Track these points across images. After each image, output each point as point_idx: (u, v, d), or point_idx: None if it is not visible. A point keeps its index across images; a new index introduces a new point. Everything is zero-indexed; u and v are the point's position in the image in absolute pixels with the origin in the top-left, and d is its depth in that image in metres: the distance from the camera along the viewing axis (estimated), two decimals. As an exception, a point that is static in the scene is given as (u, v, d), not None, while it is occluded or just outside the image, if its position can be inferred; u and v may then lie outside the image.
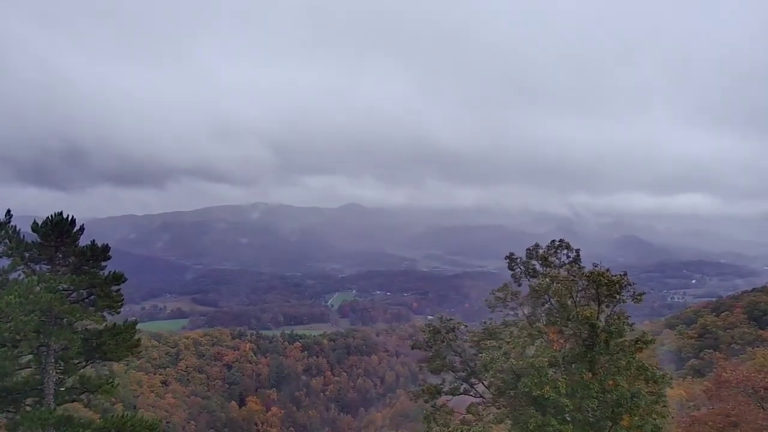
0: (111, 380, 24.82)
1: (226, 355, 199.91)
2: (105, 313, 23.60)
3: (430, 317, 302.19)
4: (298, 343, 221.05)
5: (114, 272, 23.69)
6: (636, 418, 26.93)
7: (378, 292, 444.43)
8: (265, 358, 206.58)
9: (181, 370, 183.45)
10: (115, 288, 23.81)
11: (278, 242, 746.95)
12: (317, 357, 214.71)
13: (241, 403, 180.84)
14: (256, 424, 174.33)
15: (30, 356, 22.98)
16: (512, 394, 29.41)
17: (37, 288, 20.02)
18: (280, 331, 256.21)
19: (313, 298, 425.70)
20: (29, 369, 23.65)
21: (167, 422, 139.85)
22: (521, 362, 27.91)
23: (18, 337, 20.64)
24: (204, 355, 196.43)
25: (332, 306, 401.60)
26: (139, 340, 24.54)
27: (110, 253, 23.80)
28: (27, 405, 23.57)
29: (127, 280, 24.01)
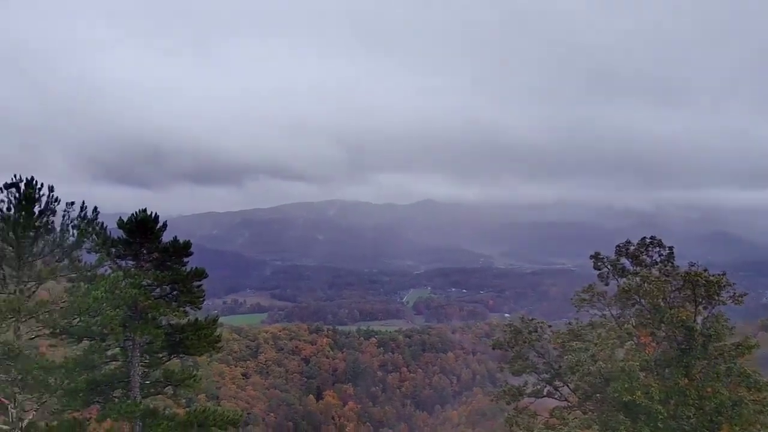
0: (194, 375, 25.24)
1: (304, 350, 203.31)
2: (187, 309, 23.96)
3: (507, 315, 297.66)
4: (374, 338, 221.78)
5: (195, 268, 24.00)
6: (737, 429, 24.98)
7: (453, 289, 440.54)
8: (342, 353, 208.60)
9: (261, 362, 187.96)
10: (196, 284, 24.12)
11: (354, 239, 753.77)
12: (393, 353, 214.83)
13: (319, 396, 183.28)
14: (333, 418, 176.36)
15: (116, 350, 23.63)
16: (600, 398, 27.99)
17: (123, 283, 20.48)
18: (357, 326, 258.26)
19: (388, 294, 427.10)
20: (115, 362, 24.36)
21: (248, 413, 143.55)
22: (610, 365, 26.45)
23: (105, 331, 21.20)
24: (282, 349, 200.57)
25: (407, 303, 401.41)
26: (219, 335, 24.81)
27: (192, 249, 24.12)
28: (114, 396, 24.27)
29: (207, 275, 24.29)
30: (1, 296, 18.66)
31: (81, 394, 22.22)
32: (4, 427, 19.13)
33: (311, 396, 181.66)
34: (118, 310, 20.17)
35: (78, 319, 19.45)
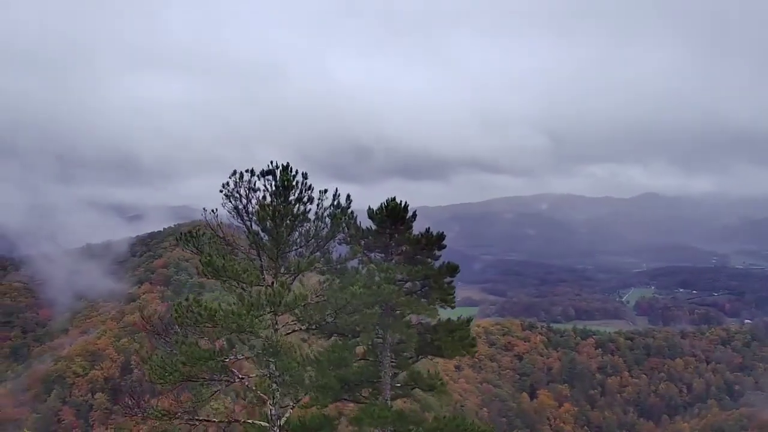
0: (441, 378, 23.18)
1: (517, 346, 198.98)
2: (437, 307, 21.89)
3: (747, 322, 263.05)
4: (591, 338, 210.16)
5: (448, 263, 21.85)
6: None
7: (680, 290, 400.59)
8: (557, 352, 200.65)
9: (474, 357, 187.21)
10: (448, 280, 21.96)
11: (566, 234, 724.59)
12: (612, 355, 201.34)
13: (532, 395, 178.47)
14: (548, 419, 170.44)
15: (365, 348, 22.40)
16: None
17: (377, 278, 18.92)
18: (572, 325, 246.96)
19: (605, 292, 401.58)
20: (363, 360, 23.13)
21: (461, 406, 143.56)
22: None
23: (358, 329, 19.89)
24: (495, 344, 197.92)
25: (627, 302, 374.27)
26: (474, 339, 22.40)
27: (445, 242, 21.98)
28: (362, 395, 23.13)
29: (459, 271, 22.03)
30: (258, 288, 18.01)
31: (331, 391, 21.27)
32: (264, 424, 18.52)
33: (525, 394, 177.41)
34: (375, 308, 18.67)
35: (333, 316, 18.23)
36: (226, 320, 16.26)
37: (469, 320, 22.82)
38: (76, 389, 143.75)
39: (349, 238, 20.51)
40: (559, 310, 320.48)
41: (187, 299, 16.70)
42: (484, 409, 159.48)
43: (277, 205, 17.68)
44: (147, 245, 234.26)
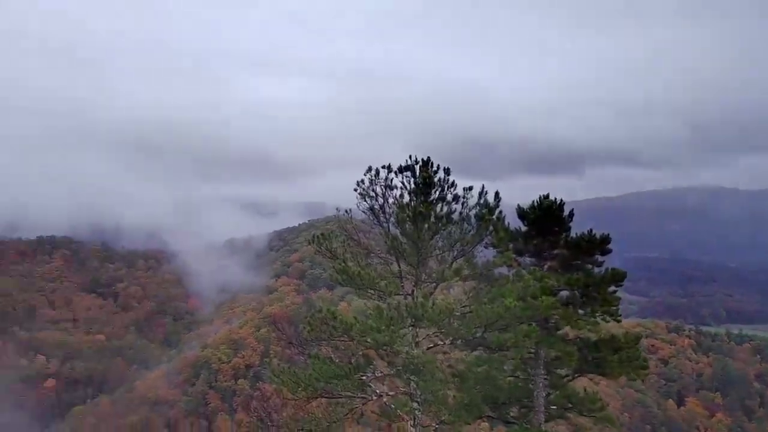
0: (601, 400, 20.13)
1: (662, 349, 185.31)
2: (599, 320, 18.90)
3: None
4: (747, 344, 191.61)
5: (612, 269, 18.77)
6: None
7: None
8: (707, 357, 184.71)
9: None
10: (612, 289, 18.92)
11: (718, 229, 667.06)
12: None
13: (680, 402, 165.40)
14: (697, 428, 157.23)
15: (514, 364, 19.90)
16: None
17: (531, 288, 16.39)
18: (724, 328, 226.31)
19: (764, 294, 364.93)
20: (512, 377, 20.63)
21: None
22: None
23: (509, 344, 17.48)
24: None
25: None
26: (646, 360, 19.18)
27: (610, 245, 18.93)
28: (510, 414, 20.67)
29: (625, 277, 18.90)
30: (397, 298, 16.17)
31: (476, 410, 19.03)
32: (404, 446, 16.68)
33: (671, 401, 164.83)
34: (531, 323, 16.19)
35: (482, 331, 15.97)
36: (364, 335, 14.59)
37: (637, 338, 19.55)
38: (221, 375, 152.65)
39: (496, 242, 18.07)
40: (709, 311, 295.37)
41: (320, 311, 15.22)
42: (626, 414, 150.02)
43: (417, 204, 15.69)
44: (284, 240, 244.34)
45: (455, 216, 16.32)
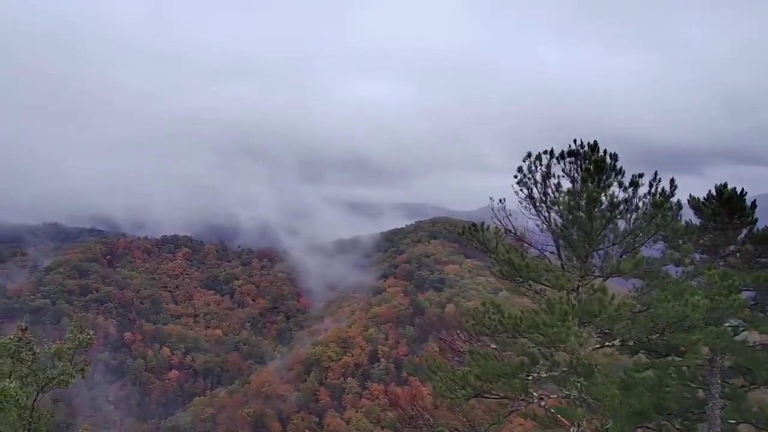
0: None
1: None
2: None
3: None
4: None
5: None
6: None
7: None
8: None
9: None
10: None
11: None
12: None
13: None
14: None
15: (685, 370, 17.98)
16: None
17: (717, 285, 14.59)
18: None
19: None
20: (681, 385, 18.67)
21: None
22: None
23: (682, 348, 15.73)
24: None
25: None
26: None
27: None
28: (675, 426, 18.75)
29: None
30: (564, 293, 14.87)
31: (644, 418, 17.31)
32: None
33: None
34: (722, 325, 14.43)
35: (660, 332, 14.35)
36: (533, 330, 13.47)
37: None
38: (330, 372, 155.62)
39: (670, 234, 16.32)
40: None
41: (484, 304, 14.25)
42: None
43: (592, 190, 14.35)
44: (390, 241, 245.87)
45: (632, 203, 14.81)
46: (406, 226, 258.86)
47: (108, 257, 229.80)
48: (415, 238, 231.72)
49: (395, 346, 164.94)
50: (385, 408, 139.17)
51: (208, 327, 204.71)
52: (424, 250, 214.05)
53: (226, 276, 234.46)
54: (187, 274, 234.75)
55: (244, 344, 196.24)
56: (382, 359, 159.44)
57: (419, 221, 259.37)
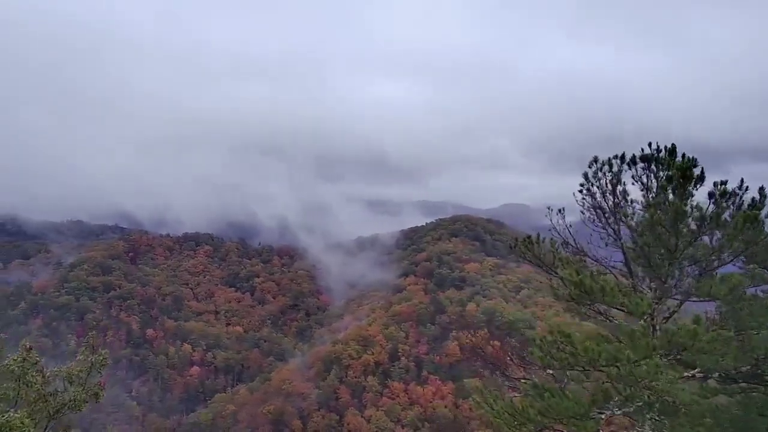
0: None
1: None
2: None
3: None
4: None
5: None
6: None
7: None
8: None
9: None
10: None
11: None
12: None
13: None
14: None
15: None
16: None
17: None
18: None
19: None
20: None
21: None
22: None
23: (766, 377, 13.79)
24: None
25: None
26: None
27: None
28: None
29: None
30: (637, 323, 13.01)
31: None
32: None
33: None
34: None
35: (753, 362, 12.50)
36: (610, 363, 11.65)
37: None
38: (351, 371, 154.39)
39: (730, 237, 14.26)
40: None
41: (552, 332, 12.43)
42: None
43: (679, 202, 12.46)
44: (410, 239, 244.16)
45: (720, 216, 12.84)
46: (426, 223, 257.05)
47: (130, 254, 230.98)
48: (436, 236, 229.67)
49: (416, 345, 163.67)
50: (405, 407, 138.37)
51: (229, 324, 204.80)
52: (444, 248, 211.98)
53: (246, 273, 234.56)
54: (209, 272, 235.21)
55: (265, 341, 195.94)
56: (403, 357, 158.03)
57: (439, 219, 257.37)
